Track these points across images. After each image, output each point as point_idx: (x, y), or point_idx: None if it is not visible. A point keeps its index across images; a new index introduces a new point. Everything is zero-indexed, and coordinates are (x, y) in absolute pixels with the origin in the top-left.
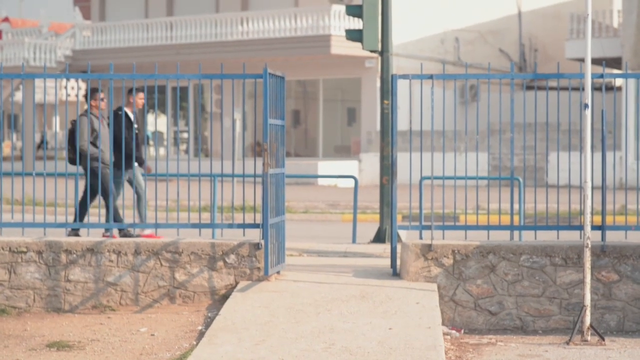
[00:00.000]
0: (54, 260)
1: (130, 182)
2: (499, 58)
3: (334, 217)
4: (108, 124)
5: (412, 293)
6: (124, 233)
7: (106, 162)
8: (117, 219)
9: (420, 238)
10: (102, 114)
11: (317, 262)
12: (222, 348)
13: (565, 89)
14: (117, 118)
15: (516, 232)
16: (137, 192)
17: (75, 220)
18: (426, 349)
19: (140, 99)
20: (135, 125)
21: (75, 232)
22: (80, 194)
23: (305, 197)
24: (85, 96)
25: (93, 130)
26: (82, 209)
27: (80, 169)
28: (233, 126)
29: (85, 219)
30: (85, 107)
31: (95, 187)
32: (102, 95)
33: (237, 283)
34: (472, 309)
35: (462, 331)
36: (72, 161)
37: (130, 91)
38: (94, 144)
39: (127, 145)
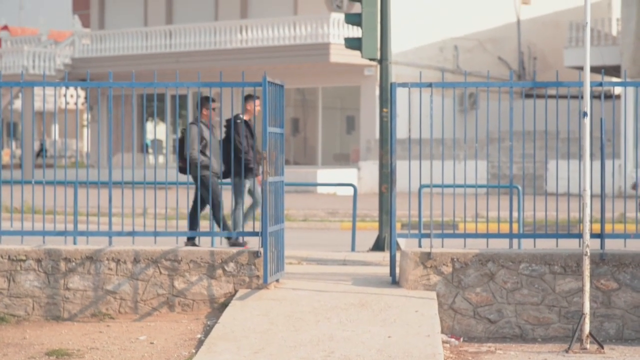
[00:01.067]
0: (53, 269)
1: (251, 192)
2: (498, 66)
3: (333, 225)
4: (227, 132)
5: (411, 301)
6: (232, 242)
7: (215, 171)
8: (226, 228)
9: (420, 246)
10: (212, 122)
11: (317, 270)
12: (221, 356)
13: (565, 97)
14: (236, 126)
15: (515, 240)
16: (255, 200)
17: (190, 230)
18: (425, 358)
19: (257, 105)
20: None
21: (192, 242)
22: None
23: (305, 205)
24: (197, 104)
25: (202, 138)
26: (193, 219)
27: (182, 178)
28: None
29: (85, 227)
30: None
31: (205, 196)
32: (214, 105)
33: (236, 291)
34: (471, 317)
35: (462, 339)
36: (182, 170)
37: (247, 98)
38: (203, 152)
39: (247, 154)
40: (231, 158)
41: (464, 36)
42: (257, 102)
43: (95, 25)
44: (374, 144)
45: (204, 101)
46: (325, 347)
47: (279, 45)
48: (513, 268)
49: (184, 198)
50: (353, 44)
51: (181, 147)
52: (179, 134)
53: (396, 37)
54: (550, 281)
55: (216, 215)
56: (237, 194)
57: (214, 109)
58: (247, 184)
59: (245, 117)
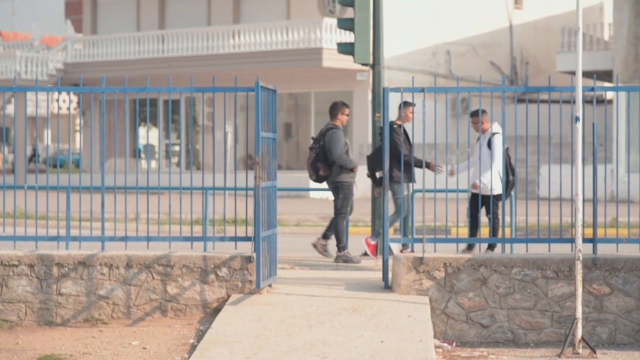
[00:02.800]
0: (45, 274)
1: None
2: (491, 71)
3: None
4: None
5: (403, 306)
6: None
7: (354, 179)
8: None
9: (412, 251)
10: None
11: (309, 275)
12: None
13: (557, 101)
14: (393, 132)
15: (507, 245)
16: (397, 208)
17: (339, 241)
18: None
19: (410, 112)
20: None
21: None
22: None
23: (297, 210)
24: (331, 110)
25: (345, 143)
26: (339, 227)
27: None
28: (225, 139)
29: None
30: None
31: (339, 204)
32: (347, 110)
33: (229, 296)
34: (463, 321)
35: (454, 344)
36: (321, 179)
37: (405, 104)
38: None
39: (406, 160)
40: (395, 164)
41: (456, 41)
42: (410, 109)
43: (87, 31)
44: (366, 148)
45: (340, 106)
46: (318, 352)
47: (271, 50)
48: (505, 273)
49: (176, 203)
50: (345, 48)
51: (321, 154)
52: (317, 142)
53: (389, 42)
54: (543, 286)
55: (339, 223)
56: (397, 201)
57: (347, 115)
58: (406, 190)
59: (399, 123)
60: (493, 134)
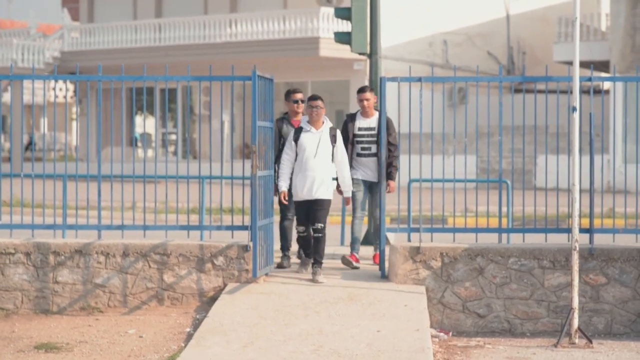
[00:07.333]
0: (42, 262)
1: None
2: (487, 61)
3: None
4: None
5: (400, 295)
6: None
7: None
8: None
9: (409, 240)
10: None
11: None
12: (210, 350)
13: (554, 92)
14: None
15: (504, 235)
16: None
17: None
18: (414, 352)
19: (293, 102)
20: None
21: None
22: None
23: None
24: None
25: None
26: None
27: None
28: (221, 128)
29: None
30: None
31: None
32: (295, 96)
33: (225, 285)
34: (460, 311)
35: (450, 334)
36: None
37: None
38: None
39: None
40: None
41: (453, 31)
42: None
43: (84, 19)
44: None
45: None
46: (315, 341)
47: (268, 39)
48: (502, 263)
49: (173, 192)
50: (342, 38)
51: None
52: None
53: (385, 31)
54: (539, 276)
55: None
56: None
57: (292, 101)
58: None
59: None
60: (334, 129)
